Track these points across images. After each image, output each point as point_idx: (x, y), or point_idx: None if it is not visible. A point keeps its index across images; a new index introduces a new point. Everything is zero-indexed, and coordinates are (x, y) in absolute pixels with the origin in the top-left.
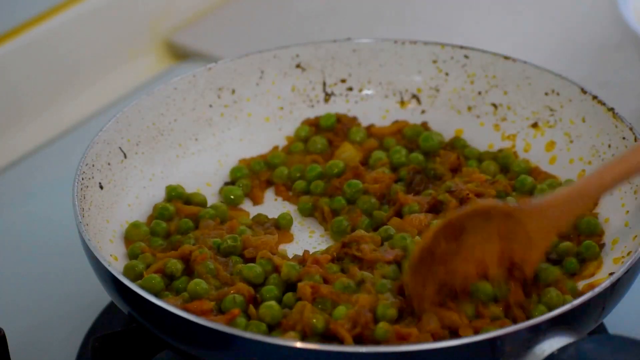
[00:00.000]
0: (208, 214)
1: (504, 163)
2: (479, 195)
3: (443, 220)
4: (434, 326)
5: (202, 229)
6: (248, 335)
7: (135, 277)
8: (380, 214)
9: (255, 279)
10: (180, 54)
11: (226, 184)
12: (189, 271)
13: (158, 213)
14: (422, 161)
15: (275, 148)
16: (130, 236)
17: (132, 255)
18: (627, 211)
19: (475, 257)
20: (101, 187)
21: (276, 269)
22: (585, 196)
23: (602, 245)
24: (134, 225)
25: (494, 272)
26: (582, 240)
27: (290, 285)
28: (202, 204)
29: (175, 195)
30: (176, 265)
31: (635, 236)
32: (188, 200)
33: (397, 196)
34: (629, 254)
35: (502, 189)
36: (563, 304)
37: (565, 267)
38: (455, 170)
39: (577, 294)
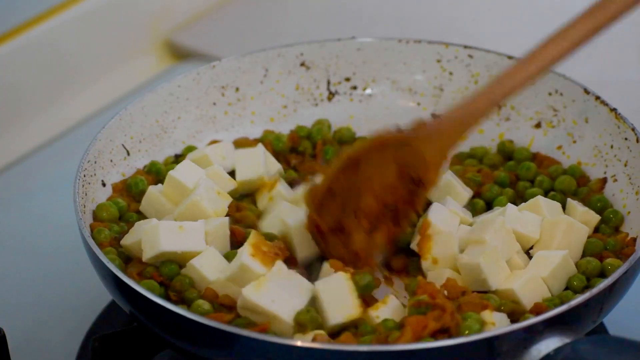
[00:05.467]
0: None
1: (505, 152)
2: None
3: (340, 160)
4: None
5: None
6: (249, 334)
7: None
8: None
9: None
10: (180, 54)
11: (177, 156)
12: None
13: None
14: None
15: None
16: (99, 214)
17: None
18: (629, 212)
19: (374, 184)
20: (103, 185)
21: None
22: (475, 115)
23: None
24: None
25: (395, 191)
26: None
27: None
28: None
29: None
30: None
31: (635, 237)
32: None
33: None
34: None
35: (504, 177)
36: (600, 271)
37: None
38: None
39: (620, 247)
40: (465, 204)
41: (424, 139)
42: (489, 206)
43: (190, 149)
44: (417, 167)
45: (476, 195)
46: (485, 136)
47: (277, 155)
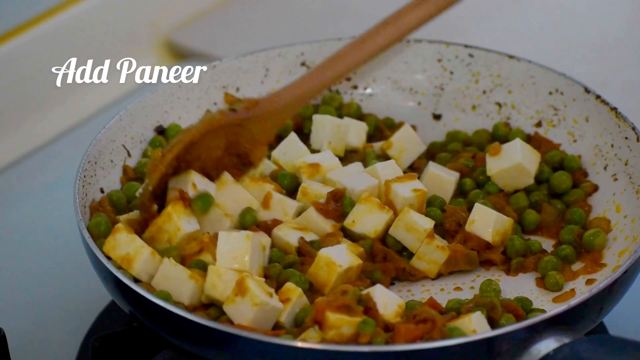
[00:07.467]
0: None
1: (499, 135)
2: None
3: (177, 142)
4: None
5: None
6: (248, 334)
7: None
8: None
9: None
10: (180, 54)
11: (158, 131)
12: None
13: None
14: None
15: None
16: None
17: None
18: (625, 216)
19: (202, 155)
20: (102, 192)
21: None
22: (306, 96)
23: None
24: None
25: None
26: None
27: None
28: None
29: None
30: None
31: (635, 237)
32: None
33: None
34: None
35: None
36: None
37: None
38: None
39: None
40: (454, 188)
41: (255, 119)
42: (479, 186)
43: (174, 127)
44: (245, 144)
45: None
46: None
47: (282, 139)
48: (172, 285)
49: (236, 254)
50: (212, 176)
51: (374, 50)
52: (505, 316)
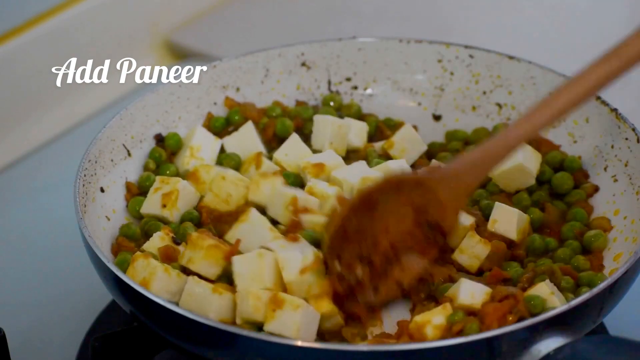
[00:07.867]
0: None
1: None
2: None
3: (355, 196)
4: None
5: None
6: (249, 334)
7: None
8: None
9: None
10: (180, 54)
11: (158, 139)
12: None
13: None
14: None
15: None
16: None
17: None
18: (625, 216)
19: (390, 229)
20: (102, 191)
21: None
22: (492, 158)
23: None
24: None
25: (411, 239)
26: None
27: None
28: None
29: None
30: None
31: (635, 238)
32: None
33: None
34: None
35: None
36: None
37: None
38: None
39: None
40: None
41: (440, 181)
42: (481, 186)
43: (173, 136)
44: (433, 211)
45: None
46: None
47: (282, 141)
48: (198, 302)
49: (254, 275)
50: (401, 255)
51: (565, 108)
52: (565, 279)
